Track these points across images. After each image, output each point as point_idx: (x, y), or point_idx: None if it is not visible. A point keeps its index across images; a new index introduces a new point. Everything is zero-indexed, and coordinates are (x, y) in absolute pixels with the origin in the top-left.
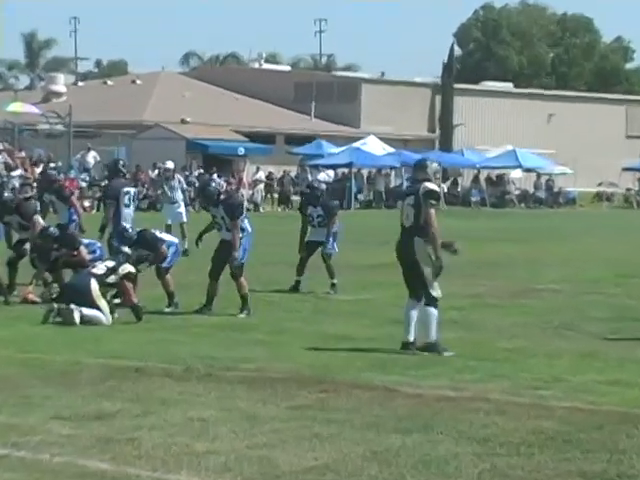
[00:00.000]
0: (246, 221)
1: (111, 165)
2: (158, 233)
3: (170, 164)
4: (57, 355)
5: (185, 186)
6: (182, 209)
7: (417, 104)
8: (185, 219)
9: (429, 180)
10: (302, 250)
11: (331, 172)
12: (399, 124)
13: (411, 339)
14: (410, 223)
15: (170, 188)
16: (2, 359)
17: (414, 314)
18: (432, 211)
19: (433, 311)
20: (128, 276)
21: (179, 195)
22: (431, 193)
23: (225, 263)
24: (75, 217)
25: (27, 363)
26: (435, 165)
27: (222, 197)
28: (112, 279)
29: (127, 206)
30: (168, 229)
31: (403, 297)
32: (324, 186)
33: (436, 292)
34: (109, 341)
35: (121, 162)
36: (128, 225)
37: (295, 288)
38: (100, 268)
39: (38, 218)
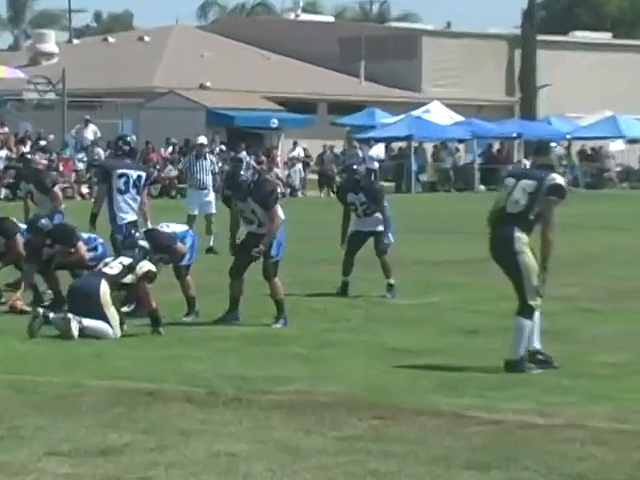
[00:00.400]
0: (279, 209)
1: (113, 142)
2: (165, 227)
3: (203, 139)
4: (52, 377)
5: (217, 168)
6: (212, 197)
7: (491, 61)
8: (214, 210)
9: (552, 168)
10: (344, 244)
11: (381, 147)
12: (469, 86)
13: (536, 346)
14: (518, 209)
15: (200, 169)
16: None
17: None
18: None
19: (526, 323)
20: (147, 275)
21: (209, 180)
22: (558, 189)
23: (251, 259)
24: (58, 214)
25: (16, 387)
26: (559, 149)
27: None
28: (129, 279)
29: (122, 192)
30: (191, 220)
31: (475, 301)
32: (375, 166)
33: (535, 301)
34: (116, 358)
35: (124, 138)
36: (127, 217)
37: (342, 291)
38: (114, 266)
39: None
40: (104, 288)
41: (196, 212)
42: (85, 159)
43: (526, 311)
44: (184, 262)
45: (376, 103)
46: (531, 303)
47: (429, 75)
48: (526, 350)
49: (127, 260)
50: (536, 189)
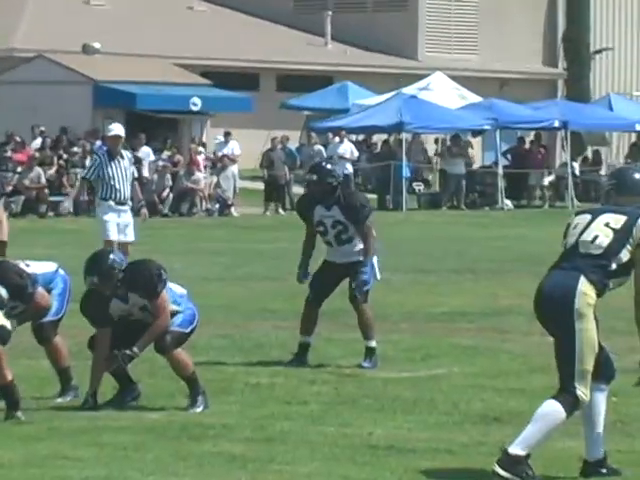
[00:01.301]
0: None
1: None
2: (24, 266)
3: (118, 129)
4: None
5: (136, 173)
6: (129, 218)
7: (521, 13)
8: (134, 237)
9: None
10: (305, 278)
11: (351, 144)
12: (489, 51)
13: (598, 455)
14: (596, 250)
15: (118, 175)
16: None
17: (600, 406)
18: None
19: (558, 415)
20: None
21: (128, 190)
22: None
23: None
24: None
25: None
26: None
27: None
28: None
29: None
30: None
31: (498, 374)
32: (347, 170)
33: (584, 389)
34: None
35: None
36: None
37: (299, 358)
38: None
39: None
40: None
41: (115, 237)
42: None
43: (565, 398)
44: (49, 317)
45: (349, 75)
46: (577, 391)
47: (429, 34)
48: (532, 449)
49: None
50: (627, 227)
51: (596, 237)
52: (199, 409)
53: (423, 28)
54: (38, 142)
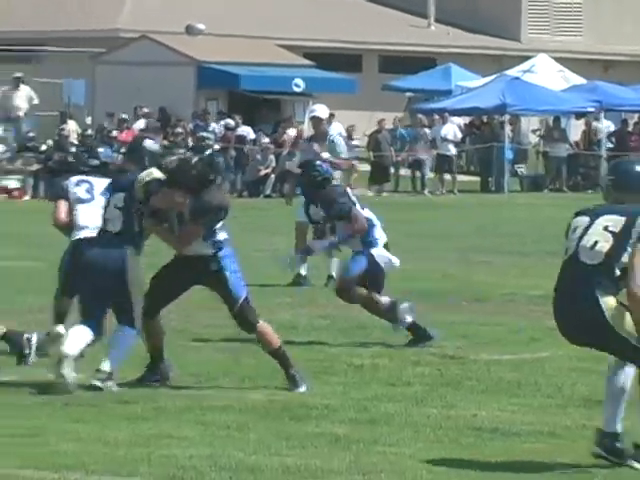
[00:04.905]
0: None
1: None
2: None
3: (321, 110)
4: None
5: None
6: None
7: None
8: None
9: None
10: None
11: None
12: (594, 32)
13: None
14: (597, 259)
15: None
16: None
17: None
18: None
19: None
20: None
21: None
22: None
23: None
24: None
25: None
26: None
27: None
28: None
29: (84, 201)
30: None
31: (599, 358)
32: (326, 168)
33: None
34: (58, 438)
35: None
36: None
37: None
38: None
39: None
40: None
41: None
42: (12, 135)
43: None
44: None
45: (452, 57)
46: None
47: (532, 16)
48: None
49: None
50: (626, 229)
51: (596, 243)
52: (302, 388)
53: (526, 9)
54: (141, 123)
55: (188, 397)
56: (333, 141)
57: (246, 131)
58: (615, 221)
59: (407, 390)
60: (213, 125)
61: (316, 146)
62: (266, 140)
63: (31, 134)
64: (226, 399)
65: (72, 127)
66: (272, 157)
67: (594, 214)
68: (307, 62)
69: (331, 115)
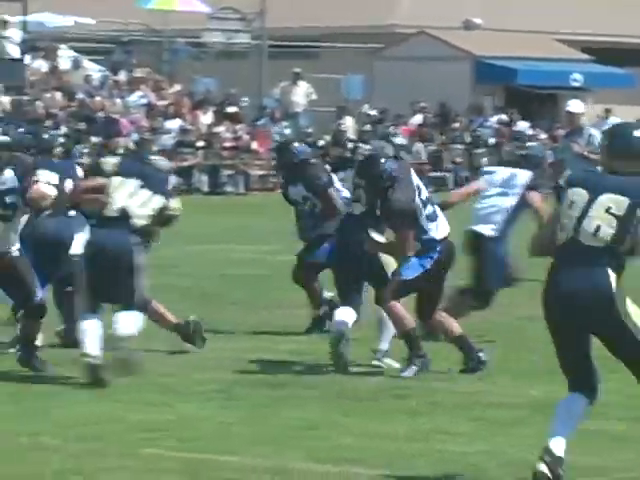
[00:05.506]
0: None
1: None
2: None
3: (575, 105)
4: (248, 455)
5: None
6: None
7: None
8: None
9: None
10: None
11: None
12: None
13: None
14: (602, 242)
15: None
16: None
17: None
18: None
19: None
20: None
21: None
22: None
23: None
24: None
25: (191, 470)
26: None
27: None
28: None
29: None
30: None
31: None
32: (301, 149)
33: None
34: (337, 433)
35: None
36: None
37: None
38: None
39: None
40: None
41: None
42: (286, 131)
43: None
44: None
45: None
46: None
47: None
48: None
49: None
50: (630, 211)
51: (599, 228)
52: (407, 373)
53: None
54: (419, 118)
55: (462, 393)
56: (590, 135)
57: (523, 127)
58: (618, 203)
59: None
60: (491, 120)
61: (577, 146)
62: (543, 136)
63: (308, 129)
64: (501, 395)
65: (349, 123)
66: (550, 152)
67: (593, 188)
68: (585, 56)
69: (607, 110)
